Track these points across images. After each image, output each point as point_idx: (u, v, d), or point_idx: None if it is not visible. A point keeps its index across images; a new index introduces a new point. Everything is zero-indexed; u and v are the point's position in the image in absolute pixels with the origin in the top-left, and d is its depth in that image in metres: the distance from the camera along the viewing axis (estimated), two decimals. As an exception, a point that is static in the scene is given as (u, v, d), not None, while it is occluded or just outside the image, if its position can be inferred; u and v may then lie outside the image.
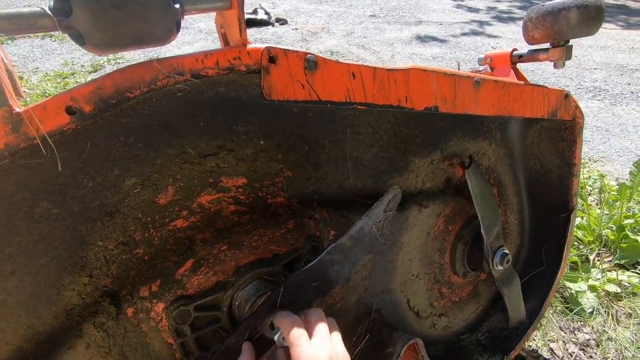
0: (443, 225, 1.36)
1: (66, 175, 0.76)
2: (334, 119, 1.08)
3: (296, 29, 6.88)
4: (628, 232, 2.21)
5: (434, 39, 6.62)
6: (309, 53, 0.71)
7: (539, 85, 1.19)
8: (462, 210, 1.40)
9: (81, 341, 0.77)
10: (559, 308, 1.99)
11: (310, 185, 1.08)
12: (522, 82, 1.14)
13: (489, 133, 1.50)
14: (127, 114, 0.78)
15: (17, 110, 0.56)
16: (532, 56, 1.24)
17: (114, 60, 5.48)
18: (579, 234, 2.38)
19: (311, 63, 0.71)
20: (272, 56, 0.67)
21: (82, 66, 5.31)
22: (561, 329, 1.89)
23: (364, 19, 7.62)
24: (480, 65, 1.43)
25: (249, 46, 0.66)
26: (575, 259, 2.20)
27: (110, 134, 0.78)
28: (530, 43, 1.17)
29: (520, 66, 1.56)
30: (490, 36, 6.82)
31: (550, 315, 1.94)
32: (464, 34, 6.88)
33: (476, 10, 8.48)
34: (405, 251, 1.27)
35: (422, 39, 6.58)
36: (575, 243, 2.33)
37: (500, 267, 1.33)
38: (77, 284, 0.81)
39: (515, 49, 1.32)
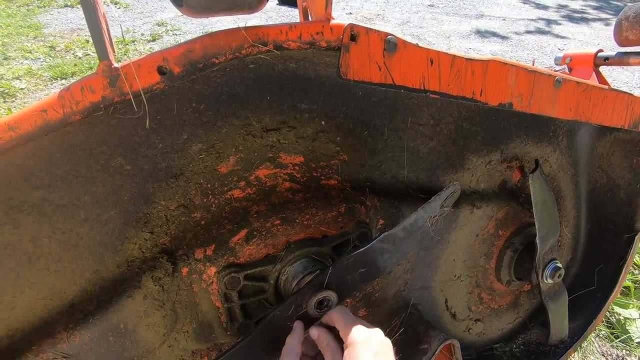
0: (493, 229, 1.30)
1: (141, 134, 0.79)
2: (397, 106, 1.05)
3: (350, 13, 6.76)
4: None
5: (494, 34, 6.25)
6: (390, 34, 0.68)
7: (625, 92, 1.10)
8: (515, 216, 1.33)
9: (139, 292, 0.82)
10: (602, 332, 1.88)
11: (364, 172, 1.07)
12: (606, 87, 1.05)
13: (555, 138, 1.41)
14: (201, 80, 0.80)
15: (116, 65, 0.58)
16: (620, 59, 1.13)
17: (171, 31, 5.67)
18: (637, 258, 2.20)
19: (391, 44, 0.69)
20: (354, 34, 0.65)
21: (142, 34, 5.54)
22: (603, 355, 1.78)
23: (421, 8, 7.34)
24: (557, 64, 1.34)
25: (332, 22, 0.65)
26: (629, 283, 2.05)
27: (184, 99, 0.80)
28: (622, 44, 1.07)
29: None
30: (557, 36, 6.34)
31: (593, 339, 1.83)
32: (528, 32, 6.45)
33: (545, 8, 7.88)
34: (451, 250, 1.24)
35: (482, 33, 6.24)
36: (631, 268, 2.17)
37: (549, 281, 1.26)
38: (140, 238, 0.86)
39: (600, 50, 1.21)
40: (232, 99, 0.85)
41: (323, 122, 0.97)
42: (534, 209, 1.17)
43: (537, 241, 1.19)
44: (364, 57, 0.69)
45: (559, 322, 1.41)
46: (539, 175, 1.15)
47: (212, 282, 0.85)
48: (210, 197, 0.90)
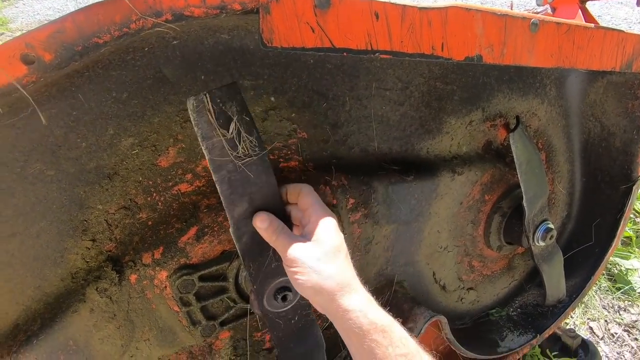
0: (479, 194, 1.22)
1: (57, 134, 0.70)
2: (357, 72, 0.94)
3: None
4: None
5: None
6: (319, -14, 0.57)
7: (614, 29, 0.97)
8: (502, 178, 1.24)
9: (85, 306, 0.76)
10: (604, 285, 1.83)
11: (328, 148, 0.97)
12: (592, 25, 0.92)
13: (542, 89, 1.29)
14: (116, 65, 0.69)
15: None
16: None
17: None
18: (637, 205, 2.12)
19: (322, 0, 0.57)
20: (271, -10, 0.54)
21: None
22: (604, 308, 1.74)
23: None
24: (539, 5, 1.19)
25: (243, -22, 0.54)
26: (630, 233, 1.98)
27: (101, 89, 0.70)
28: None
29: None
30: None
31: (593, 293, 1.79)
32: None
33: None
34: (434, 222, 1.16)
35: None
36: (632, 216, 2.10)
37: (541, 243, 1.19)
38: (80, 248, 0.78)
39: (586, -17, 1.07)
40: (159, 83, 0.74)
41: (272, 99, 0.86)
42: (517, 170, 1.07)
43: (525, 204, 1.11)
44: (291, 17, 0.58)
45: (555, 282, 1.35)
46: (520, 133, 1.05)
47: (165, 286, 0.79)
48: (154, 194, 0.82)
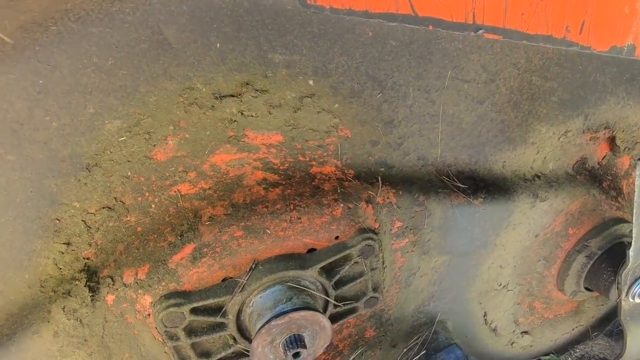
0: (561, 226, 0.95)
1: (17, 108, 0.52)
2: (430, 54, 0.68)
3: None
4: None
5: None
6: None
7: None
8: (594, 209, 0.96)
9: (48, 327, 0.61)
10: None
11: (376, 152, 0.74)
12: None
13: (669, 96, 0.97)
14: (96, 19, 0.49)
15: None
16: None
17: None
18: None
19: None
20: None
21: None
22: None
23: None
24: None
25: None
26: None
27: (76, 51, 0.51)
28: None
29: None
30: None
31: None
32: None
33: None
34: (497, 255, 0.91)
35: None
36: None
37: (637, 300, 0.92)
38: (52, 251, 0.62)
39: None
40: (158, 48, 0.54)
41: (311, 82, 0.64)
42: (635, 208, 0.79)
43: (630, 252, 0.84)
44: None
45: (638, 343, 1.08)
46: None
47: (148, 314, 0.62)
48: (147, 194, 0.63)
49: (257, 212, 0.63)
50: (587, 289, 1.03)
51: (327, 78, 0.64)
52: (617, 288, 0.91)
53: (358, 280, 0.70)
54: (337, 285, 0.68)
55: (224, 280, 0.63)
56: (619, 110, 0.93)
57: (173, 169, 0.63)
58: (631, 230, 0.97)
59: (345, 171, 0.73)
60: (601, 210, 0.96)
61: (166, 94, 0.57)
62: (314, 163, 0.71)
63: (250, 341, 0.66)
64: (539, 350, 1.23)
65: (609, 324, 1.29)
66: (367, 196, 0.71)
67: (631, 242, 0.84)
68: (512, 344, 1.15)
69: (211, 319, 0.62)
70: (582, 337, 1.29)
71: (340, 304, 0.70)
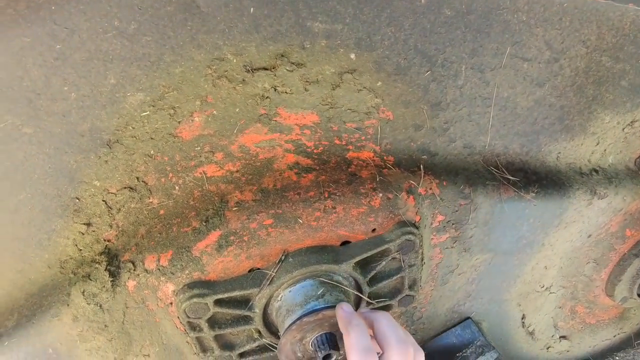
0: (617, 227, 0.86)
1: (33, 75, 0.47)
2: (489, 26, 0.60)
3: None
4: None
5: None
6: None
7: None
8: (658, 208, 0.86)
9: (67, 311, 0.58)
10: None
11: (419, 138, 0.67)
12: None
13: None
14: (118, -25, 0.44)
15: None
16: None
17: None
18: None
19: None
20: None
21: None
22: None
23: None
24: None
25: None
26: None
27: (96, 12, 0.45)
28: None
29: None
30: None
31: None
32: None
33: None
34: (543, 255, 0.84)
35: None
36: None
37: (700, 312, 0.83)
38: (72, 232, 0.59)
39: None
40: (185, 12, 0.48)
41: (352, 56, 0.57)
42: None
43: (702, 261, 0.74)
44: None
45: (692, 356, 0.98)
46: None
47: (171, 302, 0.58)
48: (170, 175, 0.59)
49: (289, 199, 0.58)
50: (639, 295, 0.94)
51: (371, 52, 0.57)
52: (679, 298, 0.82)
53: (394, 277, 0.64)
54: (372, 281, 0.62)
55: (250, 271, 0.58)
56: (697, 99, 0.82)
57: (199, 148, 0.58)
58: (697, 235, 0.87)
59: (384, 157, 0.66)
60: (665, 211, 0.86)
61: (193, 65, 0.52)
62: (350, 147, 0.64)
63: (276, 336, 0.62)
64: (575, 355, 1.15)
65: (655, 333, 1.20)
66: (408, 186, 0.64)
67: None
68: (548, 349, 1.07)
69: (236, 312, 0.58)
70: (624, 345, 1.20)
71: (373, 302, 0.64)
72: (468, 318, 0.87)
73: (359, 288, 0.62)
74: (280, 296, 0.58)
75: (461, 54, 0.62)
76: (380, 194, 0.61)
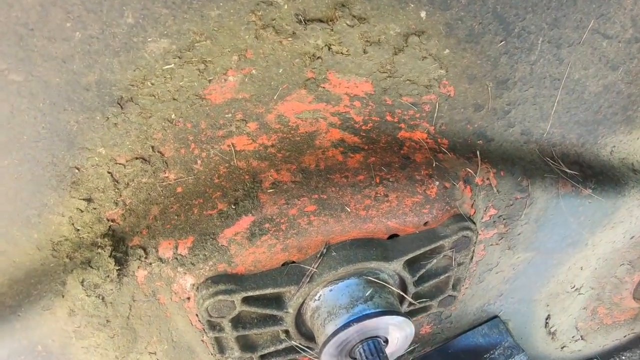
0: (661, 228, 0.80)
1: (26, 4, 0.36)
2: (577, -8, 0.51)
3: None
4: None
5: None
6: None
7: None
8: (702, 212, 0.81)
9: (62, 303, 0.48)
10: None
11: (477, 120, 0.59)
12: None
13: None
14: None
15: None
16: None
17: None
18: None
19: None
20: None
21: None
22: None
23: None
24: None
25: None
26: None
27: None
28: None
29: None
30: None
31: None
32: None
33: None
34: (583, 255, 0.78)
35: None
36: None
37: None
38: (68, 208, 0.49)
39: None
40: None
41: (423, 15, 0.47)
42: None
43: None
44: None
45: None
46: None
47: (189, 298, 0.49)
48: (193, 146, 0.49)
49: (335, 182, 0.49)
50: (667, 300, 0.90)
51: (444, 11, 0.47)
52: None
53: (442, 277, 0.57)
54: (419, 281, 0.55)
55: (284, 264, 0.49)
56: None
57: (230, 115, 0.48)
58: None
59: (439, 140, 0.58)
60: None
61: (234, 7, 0.41)
62: (402, 126, 0.55)
63: (306, 337, 0.54)
64: (586, 355, 1.13)
65: (662, 334, 1.18)
66: (465, 174, 0.56)
67: None
68: (562, 348, 1.04)
69: (266, 311, 0.49)
70: (631, 345, 1.19)
71: (415, 303, 0.57)
72: (496, 317, 0.82)
73: (404, 287, 0.54)
74: (319, 295, 0.50)
75: (541, 23, 0.53)
76: (437, 182, 0.53)
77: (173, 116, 0.46)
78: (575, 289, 0.87)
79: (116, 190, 0.49)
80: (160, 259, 0.48)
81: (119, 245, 0.49)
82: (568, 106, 0.63)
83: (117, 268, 0.48)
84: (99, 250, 0.48)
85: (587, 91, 0.62)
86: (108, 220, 0.51)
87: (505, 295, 0.80)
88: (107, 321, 0.51)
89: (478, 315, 0.81)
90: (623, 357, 1.20)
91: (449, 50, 0.51)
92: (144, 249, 0.48)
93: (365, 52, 0.47)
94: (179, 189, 0.50)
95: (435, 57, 0.51)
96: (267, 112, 0.49)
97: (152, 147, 0.48)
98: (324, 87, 0.49)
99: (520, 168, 0.62)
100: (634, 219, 0.75)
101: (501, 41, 0.52)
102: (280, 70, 0.46)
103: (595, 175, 0.69)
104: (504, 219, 0.63)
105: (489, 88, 0.56)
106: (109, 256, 0.48)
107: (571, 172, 0.66)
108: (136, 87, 0.43)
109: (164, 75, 0.43)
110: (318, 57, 0.46)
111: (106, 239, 0.49)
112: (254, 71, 0.45)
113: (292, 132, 0.51)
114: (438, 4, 0.47)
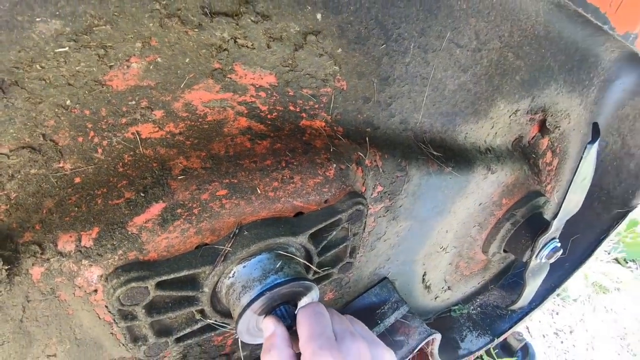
0: (497, 197, 1.05)
1: None
2: (438, 9, 0.63)
3: None
4: (639, 229, 2.08)
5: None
6: None
7: None
8: (524, 182, 1.08)
9: None
10: (544, 287, 1.90)
11: (366, 110, 0.68)
12: None
13: (587, 89, 1.12)
14: None
15: None
16: None
17: None
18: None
19: None
20: None
21: None
22: (539, 309, 1.81)
23: None
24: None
25: None
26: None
27: None
28: None
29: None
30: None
31: (535, 294, 1.85)
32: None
33: None
34: (448, 221, 0.97)
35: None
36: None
37: (543, 261, 1.09)
38: None
39: None
40: None
41: (319, 16, 0.53)
42: (572, 185, 0.90)
43: (554, 221, 0.97)
44: None
45: (529, 293, 1.30)
46: (596, 145, 0.86)
47: (95, 290, 0.47)
48: (92, 134, 0.47)
49: (244, 167, 0.52)
50: (504, 251, 1.18)
51: (336, 15, 0.54)
52: (532, 250, 1.06)
53: (340, 246, 0.66)
54: (322, 251, 0.63)
55: (197, 247, 0.51)
56: (555, 96, 1.03)
57: (134, 102, 0.47)
58: (545, 202, 1.14)
59: (335, 128, 0.66)
60: (527, 184, 1.09)
61: (137, -5, 0.41)
62: (304, 115, 0.61)
63: (222, 314, 0.57)
64: (452, 302, 1.40)
65: (502, 279, 1.53)
66: (357, 157, 0.65)
67: (557, 212, 0.97)
68: (435, 298, 1.28)
69: (181, 293, 0.51)
70: (482, 289, 1.51)
71: (319, 271, 0.65)
72: (385, 278, 0.97)
73: (309, 258, 0.62)
74: (233, 272, 0.53)
75: (413, 31, 0.64)
76: (334, 165, 0.60)
77: (68, 102, 0.44)
78: (443, 249, 1.07)
79: (-2, 182, 0.45)
80: (60, 253, 0.45)
81: (6, 243, 0.45)
82: (434, 100, 0.78)
83: (5, 268, 0.43)
84: (-19, 250, 0.43)
85: (447, 89, 0.78)
86: (-12, 216, 0.45)
87: (391, 259, 0.95)
88: (-5, 327, 0.46)
89: (371, 278, 0.95)
90: (477, 299, 1.51)
91: (341, 49, 0.58)
92: (39, 245, 0.45)
93: (269, 46, 0.51)
94: (77, 180, 0.48)
95: (330, 55, 0.58)
96: (173, 100, 0.49)
97: (43, 135, 0.44)
98: (230, 78, 0.52)
99: (400, 151, 0.75)
100: (481, 189, 0.96)
101: (382, 44, 0.62)
102: (187, 60, 0.47)
103: (454, 157, 0.86)
104: (388, 194, 0.76)
105: (374, 84, 0.66)
106: (-6, 256, 0.43)
107: (437, 154, 0.81)
108: (22, 69, 0.40)
109: (56, 59, 0.41)
110: (224, 49, 0.49)
111: (-12, 238, 0.44)
112: (159, 59, 0.46)
113: (200, 120, 0.52)
114: (331, 8, 0.53)
